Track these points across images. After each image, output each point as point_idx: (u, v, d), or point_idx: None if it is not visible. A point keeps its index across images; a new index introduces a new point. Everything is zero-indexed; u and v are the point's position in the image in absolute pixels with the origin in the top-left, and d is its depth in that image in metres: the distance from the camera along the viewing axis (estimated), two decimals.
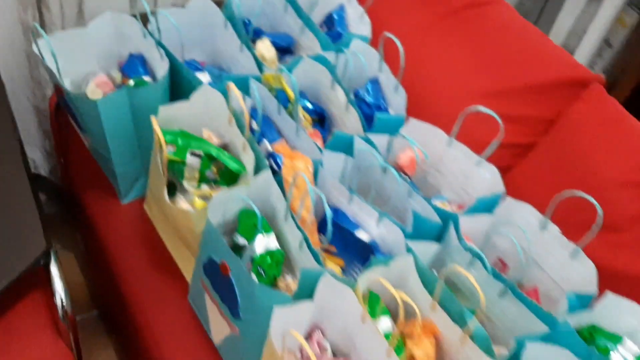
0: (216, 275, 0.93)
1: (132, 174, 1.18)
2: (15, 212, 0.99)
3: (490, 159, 1.05)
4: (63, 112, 1.30)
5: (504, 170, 1.17)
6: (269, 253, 0.94)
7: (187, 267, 1.11)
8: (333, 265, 1.01)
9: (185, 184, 1.07)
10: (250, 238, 0.95)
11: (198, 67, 1.17)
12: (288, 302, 0.84)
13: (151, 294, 1.16)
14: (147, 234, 1.21)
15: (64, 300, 1.03)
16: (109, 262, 1.24)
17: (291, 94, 1.07)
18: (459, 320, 0.86)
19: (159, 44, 1.09)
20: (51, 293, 1.04)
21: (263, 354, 0.88)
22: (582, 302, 0.90)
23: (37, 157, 1.62)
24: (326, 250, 1.03)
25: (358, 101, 1.18)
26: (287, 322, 0.84)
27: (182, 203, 1.01)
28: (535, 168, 1.10)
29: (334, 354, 0.94)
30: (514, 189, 1.08)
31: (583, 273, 0.93)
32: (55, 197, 1.73)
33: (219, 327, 1.01)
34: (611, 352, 0.89)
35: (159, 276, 1.16)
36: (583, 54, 2.24)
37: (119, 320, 1.36)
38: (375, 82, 1.18)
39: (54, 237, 1.69)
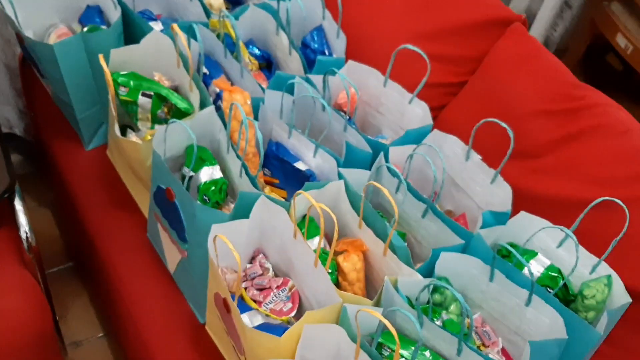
0: (164, 203, 1.01)
1: (93, 120, 1.25)
2: None
3: (426, 98, 1.12)
4: (30, 65, 1.37)
5: (440, 109, 1.25)
6: (213, 182, 1.02)
7: (145, 204, 1.19)
8: (276, 196, 1.09)
9: (140, 125, 1.15)
10: (197, 170, 1.03)
11: (152, 17, 1.24)
12: (225, 220, 0.92)
13: (113, 232, 1.24)
14: (109, 178, 1.29)
15: (28, 233, 1.10)
16: (75, 206, 1.32)
17: (235, 37, 1.14)
18: (383, 236, 0.94)
19: None
20: (17, 228, 1.12)
21: (209, 275, 0.96)
22: (498, 220, 0.99)
23: (11, 116, 1.69)
24: (270, 183, 1.11)
25: (304, 48, 1.26)
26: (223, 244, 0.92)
27: (132, 137, 1.09)
28: (464, 104, 1.18)
29: (276, 275, 1.02)
30: (447, 125, 1.15)
31: (501, 195, 1.01)
32: (31, 157, 1.80)
33: (172, 255, 1.10)
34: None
35: (120, 216, 1.24)
36: (545, 16, 2.31)
37: (89, 266, 1.44)
38: (320, 30, 1.25)
39: (30, 196, 1.77)
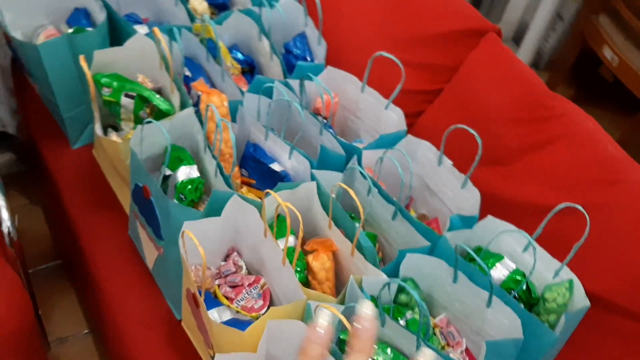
0: (141, 200, 1.04)
1: (80, 119, 1.29)
2: None
3: (403, 105, 1.15)
4: (20, 65, 1.41)
5: (416, 115, 1.27)
6: (190, 180, 1.04)
7: (127, 202, 1.22)
8: (252, 197, 1.12)
9: (123, 125, 1.18)
10: (175, 169, 1.06)
11: (138, 20, 1.28)
12: (197, 218, 0.95)
13: (97, 230, 1.26)
14: (94, 176, 1.32)
15: (10, 229, 1.13)
16: (61, 204, 1.35)
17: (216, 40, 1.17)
18: (352, 236, 0.96)
19: None
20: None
21: (182, 272, 0.99)
22: (466, 223, 1.01)
23: (4, 115, 1.72)
24: (247, 183, 1.14)
25: (287, 54, 1.29)
26: (196, 237, 0.95)
27: (114, 137, 1.12)
28: (440, 111, 1.21)
29: (250, 273, 1.04)
30: (423, 131, 1.18)
31: (471, 200, 1.04)
32: (23, 156, 1.83)
33: (150, 252, 1.12)
34: (491, 269, 1.00)
35: (104, 214, 1.27)
36: (537, 27, 2.34)
37: (75, 263, 1.47)
38: (302, 36, 1.29)
39: (22, 194, 1.80)
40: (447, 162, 1.07)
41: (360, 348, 0.41)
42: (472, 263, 0.99)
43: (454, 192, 1.07)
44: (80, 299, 1.62)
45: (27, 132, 1.65)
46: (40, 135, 1.44)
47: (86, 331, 1.56)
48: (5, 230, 1.13)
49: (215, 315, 0.91)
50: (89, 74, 1.05)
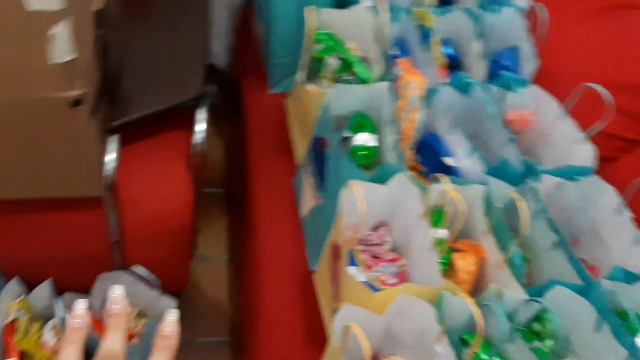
0: (317, 151, 1.11)
1: (285, 67, 1.39)
2: (188, 57, 1.24)
3: (598, 146, 1.10)
4: (247, 8, 1.55)
5: (608, 161, 1.21)
6: (366, 147, 1.09)
7: (300, 152, 1.30)
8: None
9: (321, 82, 1.25)
10: (355, 133, 1.11)
11: None
12: (364, 179, 0.99)
13: (266, 170, 1.37)
14: (279, 122, 1.41)
15: (200, 139, 1.25)
16: (244, 140, 1.47)
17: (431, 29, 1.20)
18: (505, 250, 0.95)
19: None
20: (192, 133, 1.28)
21: (334, 224, 1.04)
22: (628, 278, 0.95)
23: (219, 50, 1.90)
24: (415, 169, 1.16)
25: (494, 62, 1.28)
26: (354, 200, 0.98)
27: (312, 87, 1.19)
28: (636, 164, 1.14)
29: (393, 251, 1.07)
30: (610, 179, 1.12)
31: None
32: (224, 90, 2.01)
33: (307, 201, 1.19)
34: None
35: (277, 158, 1.37)
36: None
37: (237, 195, 1.60)
38: (515, 49, 1.27)
39: (212, 124, 1.98)
40: (628, 213, 1.01)
41: (113, 324, 0.49)
42: (622, 319, 0.93)
43: (625, 246, 1.01)
44: (230, 228, 1.76)
45: (234, 70, 1.82)
46: (245, 74, 1.58)
47: (226, 257, 1.68)
48: (197, 140, 1.25)
49: (353, 271, 0.95)
50: (310, 27, 1.13)
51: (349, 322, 0.79)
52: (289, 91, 1.43)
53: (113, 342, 0.48)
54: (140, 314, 1.35)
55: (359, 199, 0.84)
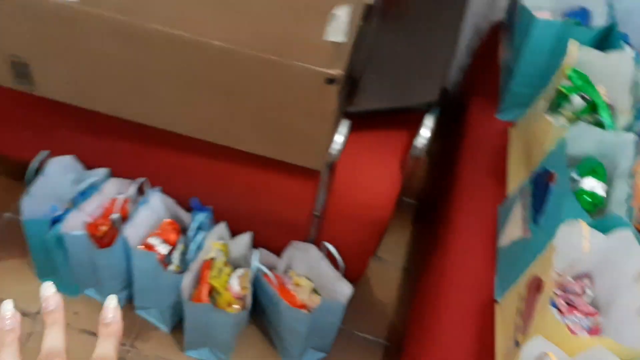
0: (540, 183, 1.09)
1: (521, 97, 1.37)
2: (430, 64, 1.29)
3: None
4: (499, 29, 1.56)
5: None
6: (592, 194, 1.05)
7: (515, 180, 1.28)
8: None
9: (558, 117, 1.23)
10: (583, 176, 1.07)
11: (626, 40, 1.29)
12: (589, 223, 0.95)
13: (470, 193, 1.36)
14: (497, 148, 1.41)
15: (422, 144, 1.28)
16: (455, 158, 1.48)
17: None
18: None
19: None
20: (413, 136, 1.32)
21: (540, 257, 1.00)
22: None
23: (452, 69, 1.93)
24: None
25: None
26: (571, 240, 0.95)
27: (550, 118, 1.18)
28: None
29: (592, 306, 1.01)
30: None
31: None
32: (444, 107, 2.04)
33: (511, 231, 1.17)
34: None
35: (484, 181, 1.36)
36: None
37: (433, 210, 1.61)
38: None
39: None
40: None
41: (52, 320, 0.47)
42: None
43: None
44: (413, 239, 1.79)
45: (462, 89, 1.84)
46: (475, 94, 1.59)
47: (402, 265, 1.72)
48: (418, 144, 1.28)
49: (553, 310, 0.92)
50: (569, 62, 1.11)
51: (545, 351, 0.77)
52: (517, 120, 1.42)
53: (55, 338, 0.46)
54: (315, 291, 1.43)
55: (585, 237, 0.81)
